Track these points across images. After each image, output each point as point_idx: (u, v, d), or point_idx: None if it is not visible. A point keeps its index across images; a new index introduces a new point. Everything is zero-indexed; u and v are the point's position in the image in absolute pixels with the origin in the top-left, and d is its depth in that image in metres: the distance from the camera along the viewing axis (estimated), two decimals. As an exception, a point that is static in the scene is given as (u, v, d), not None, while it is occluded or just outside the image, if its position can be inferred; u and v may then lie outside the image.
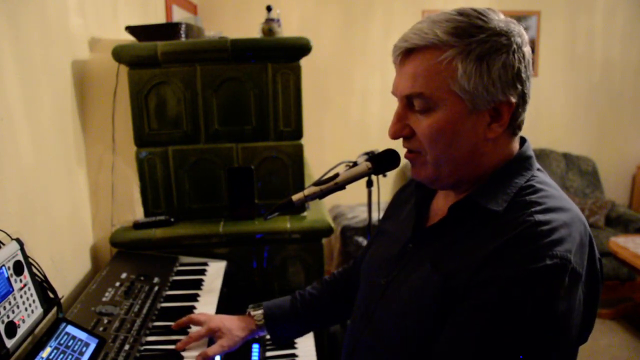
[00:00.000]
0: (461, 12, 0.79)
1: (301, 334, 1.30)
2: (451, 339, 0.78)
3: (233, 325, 1.20)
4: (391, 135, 0.86)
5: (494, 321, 0.74)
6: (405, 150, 0.89)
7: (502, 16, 0.81)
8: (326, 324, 1.33)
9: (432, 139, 0.82)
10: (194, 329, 1.25)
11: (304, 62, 1.76)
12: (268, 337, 1.51)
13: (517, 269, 0.73)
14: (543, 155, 4.27)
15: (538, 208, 0.78)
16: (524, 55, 0.80)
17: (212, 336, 1.20)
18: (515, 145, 0.87)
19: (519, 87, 0.80)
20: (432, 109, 0.80)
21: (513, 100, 0.80)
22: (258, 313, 1.21)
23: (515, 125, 0.83)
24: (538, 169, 0.87)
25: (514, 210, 0.79)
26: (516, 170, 0.84)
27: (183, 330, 1.26)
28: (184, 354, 1.17)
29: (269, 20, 1.79)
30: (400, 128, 0.85)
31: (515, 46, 0.78)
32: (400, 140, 0.89)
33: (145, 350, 1.18)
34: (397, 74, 0.85)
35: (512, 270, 0.73)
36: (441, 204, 0.94)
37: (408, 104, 0.83)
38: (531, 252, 0.73)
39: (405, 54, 0.82)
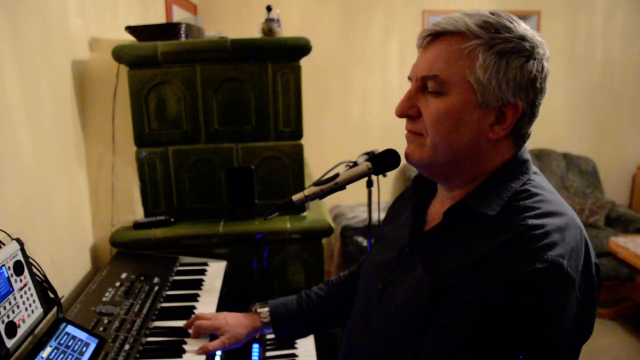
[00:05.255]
0: (493, 13, 0.82)
1: (305, 334, 1.30)
2: (439, 335, 0.79)
3: (236, 323, 1.21)
4: (398, 112, 0.87)
5: (482, 320, 0.75)
6: (406, 140, 0.90)
7: (529, 27, 0.83)
8: (331, 325, 1.34)
9: (437, 122, 0.82)
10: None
11: (304, 62, 1.76)
12: (268, 336, 1.51)
13: (508, 271, 0.73)
14: (543, 155, 4.27)
15: (532, 213, 0.78)
16: (542, 67, 0.81)
17: (215, 333, 1.21)
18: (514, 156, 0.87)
19: (531, 94, 0.81)
20: (444, 93, 0.81)
21: (520, 104, 0.80)
22: (264, 310, 1.22)
23: (518, 134, 0.84)
24: (535, 173, 0.87)
25: (508, 215, 0.80)
26: (512, 174, 0.84)
27: (185, 330, 1.26)
28: (185, 347, 1.18)
29: (269, 20, 1.79)
30: (408, 107, 0.86)
31: (537, 55, 0.80)
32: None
33: (146, 350, 1.18)
34: (420, 56, 0.86)
35: (502, 272, 0.73)
36: (438, 209, 0.94)
37: (422, 86, 0.85)
38: (522, 255, 0.73)
39: (432, 39, 0.84)
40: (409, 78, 0.88)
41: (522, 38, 0.79)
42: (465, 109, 0.81)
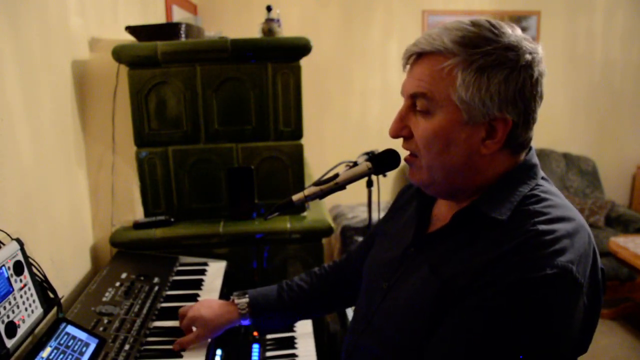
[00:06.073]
0: (474, 23, 0.79)
1: (285, 325, 1.30)
2: (444, 338, 0.78)
3: (211, 314, 1.19)
4: (391, 133, 0.88)
5: (489, 324, 0.74)
6: (406, 151, 0.90)
7: (518, 32, 0.80)
8: (310, 316, 1.35)
9: (427, 143, 0.82)
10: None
11: (304, 62, 1.76)
12: (269, 337, 1.51)
13: (517, 276, 0.73)
14: (543, 155, 4.26)
15: (542, 218, 0.77)
16: (532, 74, 0.78)
17: (193, 325, 1.20)
18: (519, 160, 0.86)
19: (520, 105, 0.78)
20: (431, 112, 0.81)
21: (509, 117, 0.79)
22: (242, 302, 1.20)
23: (515, 144, 0.83)
24: (543, 178, 0.87)
25: (518, 220, 0.79)
26: (520, 179, 0.84)
27: (184, 330, 1.26)
28: (184, 353, 1.18)
29: (269, 20, 1.79)
30: (400, 127, 0.86)
31: (523, 63, 0.77)
32: (401, 140, 0.90)
33: (146, 350, 1.18)
34: (407, 75, 0.86)
35: (511, 277, 0.73)
36: (443, 209, 0.94)
37: (412, 104, 0.85)
38: (532, 261, 0.73)
39: (416, 57, 0.84)
40: (401, 94, 0.88)
41: (506, 48, 0.77)
42: (453, 128, 0.80)
